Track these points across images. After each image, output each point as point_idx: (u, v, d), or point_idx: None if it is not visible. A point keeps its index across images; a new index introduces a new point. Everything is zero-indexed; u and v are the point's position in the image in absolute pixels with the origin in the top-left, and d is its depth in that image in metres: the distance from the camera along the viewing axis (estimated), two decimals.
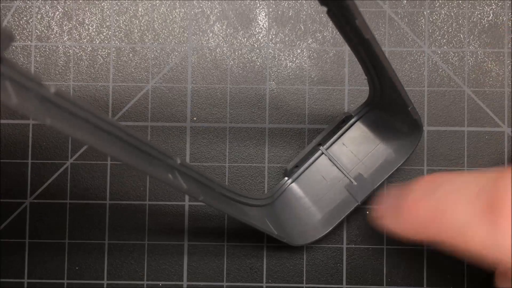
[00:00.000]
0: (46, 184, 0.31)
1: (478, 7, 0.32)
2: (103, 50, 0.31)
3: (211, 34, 0.32)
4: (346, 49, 0.31)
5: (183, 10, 0.32)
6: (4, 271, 0.30)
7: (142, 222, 0.31)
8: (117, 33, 0.32)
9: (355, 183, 0.29)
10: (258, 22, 0.32)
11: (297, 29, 0.32)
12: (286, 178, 0.30)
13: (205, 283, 0.30)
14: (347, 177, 0.29)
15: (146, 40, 0.31)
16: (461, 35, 0.31)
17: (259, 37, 0.31)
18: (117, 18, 0.32)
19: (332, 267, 0.30)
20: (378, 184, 0.28)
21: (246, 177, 0.31)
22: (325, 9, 0.21)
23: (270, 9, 0.32)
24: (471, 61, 0.31)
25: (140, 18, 0.32)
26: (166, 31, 0.32)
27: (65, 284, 0.30)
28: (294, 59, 0.31)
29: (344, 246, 0.31)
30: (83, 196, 0.31)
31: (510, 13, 0.31)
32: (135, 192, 0.31)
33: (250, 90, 0.31)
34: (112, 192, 0.31)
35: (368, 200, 0.29)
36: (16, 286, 0.30)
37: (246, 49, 0.31)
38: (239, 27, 0.32)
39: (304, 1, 0.32)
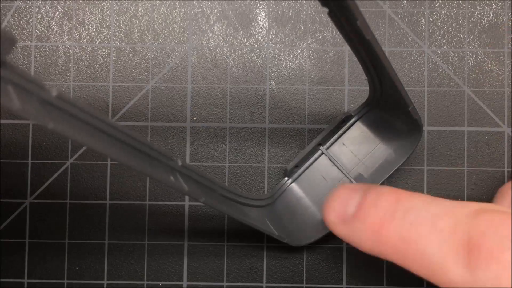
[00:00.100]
0: (46, 184, 0.31)
1: (478, 7, 0.32)
2: (103, 50, 0.31)
3: (211, 34, 0.31)
4: (346, 49, 0.31)
5: (183, 10, 0.32)
6: (4, 271, 0.30)
7: (142, 222, 0.31)
8: (117, 33, 0.32)
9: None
10: (258, 22, 0.31)
11: (297, 29, 0.31)
12: (286, 178, 0.30)
13: (205, 283, 0.30)
14: (347, 177, 0.29)
15: (146, 40, 0.31)
16: (461, 35, 0.31)
17: (259, 37, 0.31)
18: (117, 18, 0.32)
19: (332, 267, 0.30)
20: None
21: (246, 177, 0.31)
22: (325, 9, 0.20)
23: (270, 9, 0.32)
24: (471, 61, 0.31)
25: (140, 18, 0.32)
26: (166, 31, 0.32)
27: (65, 284, 0.30)
28: (294, 59, 0.31)
29: (344, 246, 0.31)
30: (83, 196, 0.31)
31: (510, 13, 0.31)
32: (135, 192, 0.31)
33: (250, 90, 0.31)
34: (112, 192, 0.31)
35: None
36: (16, 286, 0.30)
37: (246, 49, 0.31)
38: (239, 27, 0.32)
39: (304, 1, 0.32)
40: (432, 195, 0.20)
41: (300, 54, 0.31)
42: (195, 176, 0.21)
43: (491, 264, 0.16)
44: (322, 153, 0.30)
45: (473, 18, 0.31)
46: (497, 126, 0.31)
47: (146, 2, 0.32)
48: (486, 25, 0.31)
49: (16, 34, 0.31)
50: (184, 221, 0.31)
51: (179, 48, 0.31)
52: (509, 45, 0.31)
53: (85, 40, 0.32)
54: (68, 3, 0.32)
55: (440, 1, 0.32)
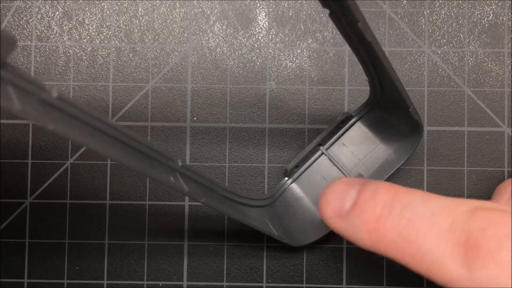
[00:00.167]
0: (46, 184, 0.31)
1: (478, 7, 0.32)
2: (103, 50, 0.31)
3: (211, 34, 0.31)
4: (346, 49, 0.31)
5: (183, 10, 0.32)
6: (4, 271, 0.30)
7: (142, 222, 0.31)
8: (117, 33, 0.31)
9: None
10: (258, 22, 0.31)
11: (297, 29, 0.31)
12: (286, 178, 0.30)
13: (205, 283, 0.30)
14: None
15: (146, 40, 0.31)
16: (461, 35, 0.31)
17: (259, 37, 0.31)
18: (117, 18, 0.32)
19: (332, 267, 0.30)
20: None
21: (246, 177, 0.31)
22: (326, 10, 0.20)
23: (270, 9, 0.32)
24: (471, 61, 0.31)
25: (140, 18, 0.32)
26: (166, 31, 0.32)
27: (65, 284, 0.30)
28: (294, 59, 0.31)
29: (344, 246, 0.31)
30: (83, 196, 0.31)
31: (510, 13, 0.31)
32: (135, 192, 0.31)
33: (250, 90, 0.31)
34: (112, 192, 0.31)
35: None
36: (16, 286, 0.30)
37: (246, 49, 0.31)
38: (239, 27, 0.31)
39: (304, 1, 0.32)
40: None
41: (300, 54, 0.31)
42: (195, 176, 0.21)
43: (488, 263, 0.16)
44: (322, 153, 0.30)
45: (473, 18, 0.31)
46: (497, 126, 0.31)
47: (146, 2, 0.32)
48: (486, 25, 0.31)
49: (16, 34, 0.31)
50: (184, 221, 0.31)
51: (179, 48, 0.31)
52: (509, 45, 0.31)
53: (85, 40, 0.32)
54: (68, 3, 0.32)
55: (440, 1, 0.32)
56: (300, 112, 0.31)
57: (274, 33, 0.31)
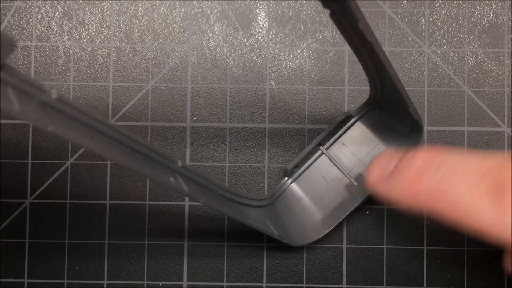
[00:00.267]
0: (46, 184, 0.31)
1: (478, 7, 0.31)
2: (103, 50, 0.31)
3: (211, 34, 0.31)
4: (346, 49, 0.31)
5: (183, 10, 0.32)
6: (4, 271, 0.30)
7: (142, 222, 0.31)
8: (117, 33, 0.31)
9: (355, 183, 0.29)
10: (258, 22, 0.31)
11: (297, 29, 0.31)
12: (286, 178, 0.30)
13: (205, 283, 0.30)
14: (348, 177, 0.29)
15: (146, 40, 0.31)
16: (461, 35, 0.31)
17: (259, 37, 0.31)
18: (117, 18, 0.32)
19: (332, 267, 0.30)
20: None
21: (246, 177, 0.31)
22: (326, 10, 0.20)
23: (270, 9, 0.32)
24: (471, 61, 0.31)
25: (140, 18, 0.31)
26: (166, 31, 0.32)
27: (65, 284, 0.30)
28: (294, 59, 0.31)
29: (344, 246, 0.31)
30: (83, 196, 0.31)
31: (510, 13, 0.31)
32: (135, 192, 0.31)
33: (250, 90, 0.31)
34: (112, 192, 0.31)
35: (368, 200, 0.29)
36: (16, 286, 0.30)
37: (246, 49, 0.31)
38: (239, 27, 0.31)
39: (304, 1, 0.31)
40: None
41: (300, 54, 0.31)
42: (195, 177, 0.21)
43: None
44: (322, 153, 0.30)
45: (473, 18, 0.31)
46: (497, 126, 0.31)
47: (146, 2, 0.32)
48: (486, 25, 0.31)
49: (16, 34, 0.31)
50: (184, 221, 0.31)
51: (179, 48, 0.31)
52: (509, 45, 0.31)
53: (85, 40, 0.31)
54: (68, 3, 0.32)
55: (440, 1, 0.31)
56: (300, 112, 0.31)
57: (274, 33, 0.31)
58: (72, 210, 0.31)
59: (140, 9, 0.32)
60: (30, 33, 0.31)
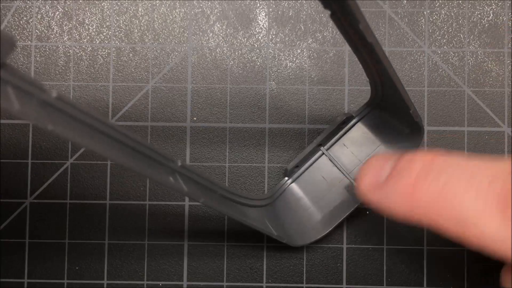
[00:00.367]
0: (46, 184, 0.31)
1: (478, 7, 0.31)
2: (103, 50, 0.31)
3: (211, 34, 0.31)
4: (346, 49, 0.31)
5: (183, 10, 0.32)
6: (4, 271, 0.30)
7: (142, 222, 0.31)
8: (117, 33, 0.31)
9: (356, 184, 0.29)
10: (258, 22, 0.31)
11: (297, 29, 0.31)
12: (286, 178, 0.30)
13: (205, 283, 0.30)
14: (348, 178, 0.29)
15: (146, 40, 0.31)
16: (461, 35, 0.31)
17: (259, 37, 0.31)
18: (117, 18, 0.32)
19: (332, 267, 0.30)
20: None
21: (246, 177, 0.31)
22: (327, 11, 0.20)
23: (270, 9, 0.32)
24: (471, 61, 0.31)
25: (140, 18, 0.32)
26: (166, 31, 0.32)
27: (65, 284, 0.30)
28: (294, 59, 0.31)
29: (344, 246, 0.31)
30: (83, 196, 0.31)
31: (510, 13, 0.31)
32: (135, 192, 0.31)
33: (250, 90, 0.31)
34: (112, 192, 0.31)
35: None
36: (16, 286, 0.30)
37: (246, 49, 0.31)
38: (239, 27, 0.31)
39: (304, 1, 0.31)
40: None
41: (300, 54, 0.31)
42: (195, 177, 0.21)
43: None
44: (323, 153, 0.30)
45: (473, 18, 0.31)
46: (497, 126, 0.31)
47: (146, 2, 0.32)
48: (486, 25, 0.31)
49: (16, 34, 0.31)
50: (184, 221, 0.31)
51: (179, 48, 0.31)
52: (509, 45, 0.31)
53: (85, 40, 0.32)
54: (68, 3, 0.32)
55: (440, 1, 0.32)
56: (300, 112, 0.31)
57: (274, 33, 0.31)
58: (72, 210, 0.31)
59: (140, 9, 0.32)
60: (30, 33, 0.31)
